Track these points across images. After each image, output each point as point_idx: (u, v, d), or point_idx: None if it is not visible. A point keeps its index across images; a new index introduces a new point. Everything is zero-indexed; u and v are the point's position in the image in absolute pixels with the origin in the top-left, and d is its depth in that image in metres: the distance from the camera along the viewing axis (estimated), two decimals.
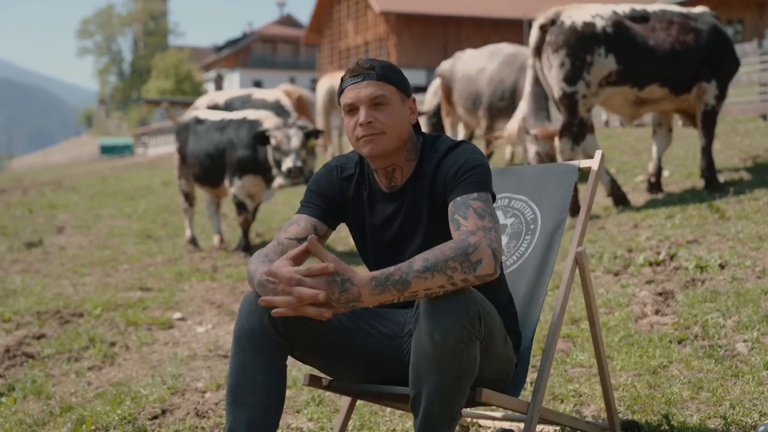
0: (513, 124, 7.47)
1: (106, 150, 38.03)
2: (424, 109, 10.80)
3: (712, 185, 6.56)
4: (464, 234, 2.03)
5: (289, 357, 2.22)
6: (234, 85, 48.57)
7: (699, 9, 6.72)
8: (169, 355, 4.17)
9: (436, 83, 11.09)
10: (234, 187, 6.79)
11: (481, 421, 2.95)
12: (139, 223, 9.64)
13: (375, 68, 2.21)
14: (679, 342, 3.52)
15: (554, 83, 6.51)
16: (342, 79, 2.24)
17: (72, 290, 5.90)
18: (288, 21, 57.81)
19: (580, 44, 6.32)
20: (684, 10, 6.68)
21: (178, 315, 4.98)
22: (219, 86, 48.25)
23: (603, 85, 6.42)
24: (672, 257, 4.78)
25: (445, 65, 9.87)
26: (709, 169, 6.61)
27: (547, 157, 7.16)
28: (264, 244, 7.46)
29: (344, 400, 2.67)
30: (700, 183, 6.93)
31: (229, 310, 5.09)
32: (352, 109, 2.21)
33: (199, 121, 7.19)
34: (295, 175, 6.37)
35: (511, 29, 31.91)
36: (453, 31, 33.56)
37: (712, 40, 6.49)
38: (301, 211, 2.32)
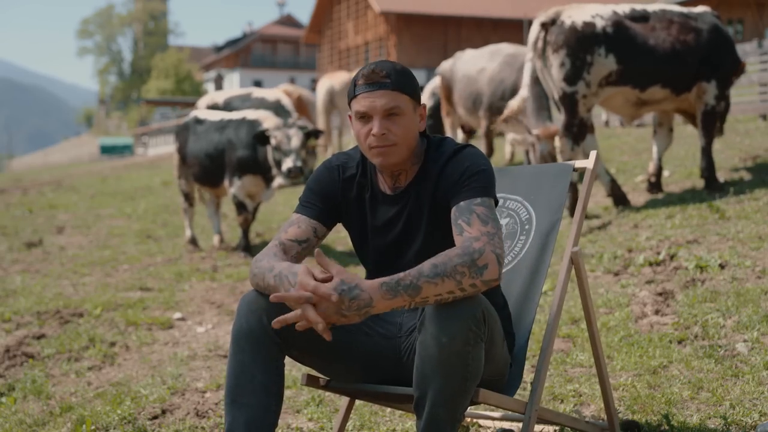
0: (514, 102, 7.44)
1: (106, 150, 38.01)
2: None
3: (712, 185, 6.56)
4: (468, 240, 2.04)
5: (288, 357, 2.22)
6: (234, 85, 48.55)
7: (700, 8, 6.72)
8: (169, 355, 4.17)
9: (431, 85, 11.09)
10: (234, 187, 6.80)
11: (481, 421, 2.96)
12: (139, 223, 9.64)
13: (391, 77, 2.18)
14: (679, 342, 3.52)
15: (554, 83, 6.51)
16: (355, 83, 2.21)
17: (72, 290, 5.90)
18: (288, 21, 57.79)
19: (580, 44, 6.32)
20: (685, 9, 6.68)
21: (178, 315, 4.98)
22: (219, 86, 48.24)
23: (603, 85, 6.42)
24: (672, 257, 4.78)
25: (445, 65, 9.87)
26: (709, 169, 6.61)
27: (549, 156, 7.16)
28: (264, 244, 7.46)
29: (344, 400, 2.67)
30: (700, 183, 6.93)
31: (229, 310, 5.09)
32: (364, 117, 2.20)
33: (198, 121, 7.20)
34: (295, 175, 6.38)
35: (511, 29, 31.90)
36: (453, 31, 33.56)
37: (713, 39, 6.49)
38: (301, 211, 2.31)
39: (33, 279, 6.41)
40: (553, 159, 7.28)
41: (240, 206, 6.87)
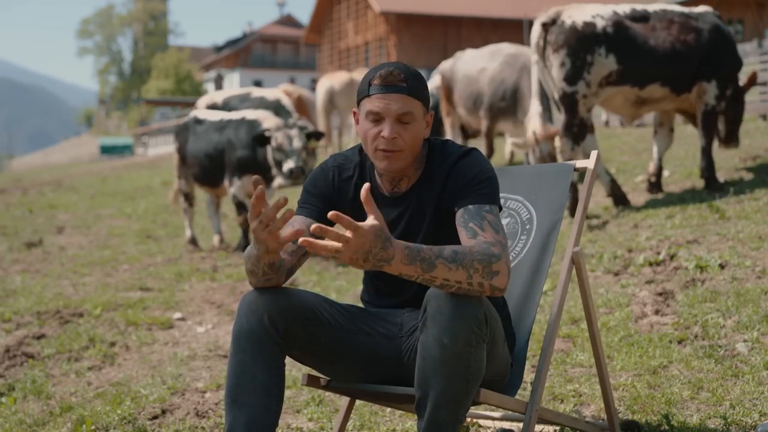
0: (535, 124, 7.37)
1: (106, 150, 38.00)
2: None
3: (712, 185, 6.56)
4: (486, 243, 2.04)
5: (288, 357, 2.22)
6: (234, 85, 48.55)
7: (701, 8, 6.72)
8: (169, 355, 4.17)
9: (430, 84, 11.08)
10: (233, 187, 6.80)
11: (481, 421, 2.96)
12: (139, 223, 9.65)
13: (408, 82, 2.17)
14: (679, 342, 3.52)
15: (554, 83, 6.51)
16: (370, 82, 2.19)
17: (72, 290, 5.90)
18: (288, 21, 57.79)
19: (581, 44, 6.32)
20: (685, 9, 6.68)
21: (178, 315, 4.98)
22: (219, 86, 48.25)
23: (603, 85, 6.42)
24: (672, 257, 4.78)
25: (445, 65, 9.87)
26: (708, 169, 6.61)
27: (549, 157, 7.16)
28: None
29: (344, 400, 2.67)
30: (700, 183, 6.93)
31: (229, 310, 5.09)
32: (376, 118, 2.18)
33: (198, 122, 7.20)
34: (296, 176, 6.39)
35: (511, 29, 31.90)
36: (453, 31, 33.55)
37: (713, 39, 6.48)
38: (298, 213, 2.30)
39: (33, 279, 6.41)
40: (553, 159, 7.27)
41: (240, 206, 6.88)
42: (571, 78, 6.36)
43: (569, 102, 6.41)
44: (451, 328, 1.96)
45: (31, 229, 9.49)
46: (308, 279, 5.84)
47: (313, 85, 38.27)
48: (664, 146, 7.07)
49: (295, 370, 3.62)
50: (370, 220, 1.90)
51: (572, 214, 6.30)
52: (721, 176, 7.05)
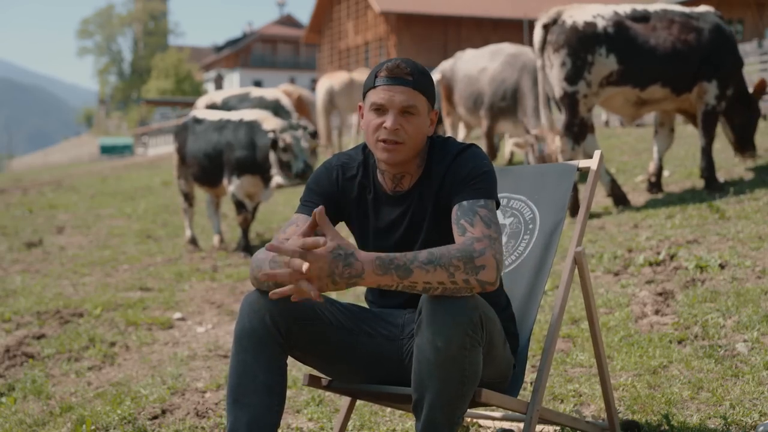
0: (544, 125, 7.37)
1: (106, 150, 37.99)
2: None
3: (712, 185, 6.56)
4: (470, 239, 2.03)
5: (289, 357, 2.22)
6: (234, 85, 48.55)
7: (702, 8, 6.71)
8: (169, 355, 4.17)
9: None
10: (233, 187, 6.80)
11: (481, 421, 2.95)
12: (139, 223, 9.64)
13: (413, 75, 2.18)
14: (679, 342, 3.52)
15: (555, 83, 6.52)
16: (376, 75, 2.20)
17: (72, 290, 5.90)
18: (288, 21, 57.78)
19: (581, 44, 6.33)
20: (687, 9, 6.67)
21: (178, 315, 4.98)
22: (219, 86, 48.24)
23: (604, 85, 6.42)
24: (672, 257, 4.78)
25: (445, 65, 9.87)
26: (708, 169, 6.61)
27: (547, 157, 7.16)
28: (264, 244, 7.45)
29: (344, 400, 2.67)
30: (700, 183, 6.93)
31: (229, 310, 5.09)
32: (380, 110, 2.18)
33: (197, 121, 7.20)
34: (307, 176, 6.40)
35: (511, 29, 31.88)
36: (453, 31, 33.54)
37: (714, 39, 6.48)
38: (301, 211, 2.30)
39: (33, 279, 6.41)
40: (552, 160, 7.27)
41: (239, 206, 6.88)
42: (572, 78, 6.37)
43: (570, 102, 6.41)
44: (444, 331, 1.95)
45: (31, 229, 9.49)
46: None
47: (313, 85, 38.28)
48: (664, 146, 7.07)
49: (295, 370, 3.62)
50: (325, 242, 1.91)
51: (572, 214, 6.30)
52: (721, 176, 7.06)
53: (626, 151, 9.88)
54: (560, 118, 6.63)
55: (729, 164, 7.65)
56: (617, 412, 2.70)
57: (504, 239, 2.64)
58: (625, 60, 6.34)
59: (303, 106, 12.01)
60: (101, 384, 3.76)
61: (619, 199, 6.68)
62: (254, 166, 6.68)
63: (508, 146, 10.80)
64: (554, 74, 6.49)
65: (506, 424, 2.90)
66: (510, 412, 2.80)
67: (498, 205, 2.21)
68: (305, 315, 2.19)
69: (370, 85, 2.21)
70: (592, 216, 6.51)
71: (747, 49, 11.31)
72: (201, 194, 8.56)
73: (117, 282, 6.13)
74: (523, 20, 29.17)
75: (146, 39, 63.67)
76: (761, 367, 3.10)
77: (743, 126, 6.80)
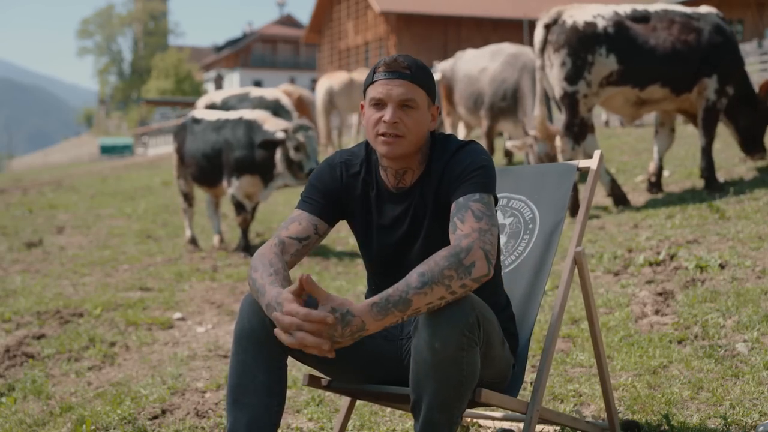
0: (537, 124, 7.34)
1: (106, 150, 37.98)
2: None
3: (712, 185, 6.56)
4: (458, 239, 2.03)
5: (289, 357, 2.22)
6: (234, 85, 48.55)
7: (703, 8, 6.71)
8: (169, 355, 4.17)
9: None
10: (232, 188, 6.79)
11: (481, 421, 2.95)
12: (139, 223, 9.64)
13: (411, 69, 2.18)
14: (679, 342, 3.52)
15: (555, 82, 6.52)
16: (374, 70, 2.20)
17: (72, 290, 5.90)
18: (288, 21, 57.77)
19: (582, 44, 6.33)
20: (687, 9, 6.67)
21: (178, 315, 4.98)
22: (219, 86, 48.24)
23: (604, 85, 6.42)
24: (672, 257, 4.78)
25: (445, 64, 9.87)
26: (708, 169, 6.61)
27: (547, 157, 7.16)
28: (264, 244, 7.45)
29: (344, 400, 2.67)
30: (700, 183, 6.93)
31: (229, 310, 5.09)
32: (378, 104, 2.18)
33: (195, 121, 7.19)
34: None
35: (511, 29, 31.88)
36: (453, 31, 33.54)
37: (714, 39, 6.48)
38: (302, 207, 2.29)
39: (33, 279, 6.41)
40: (552, 160, 7.27)
41: (238, 206, 6.87)
42: (572, 77, 6.37)
43: (570, 101, 6.41)
44: (442, 332, 1.95)
45: (31, 229, 9.48)
46: None
47: (313, 85, 38.27)
48: (664, 146, 7.07)
49: (295, 370, 3.62)
50: (318, 312, 1.91)
51: (572, 214, 6.30)
52: (721, 176, 7.06)
53: (626, 151, 9.88)
54: (560, 118, 6.63)
55: (729, 164, 7.65)
56: (617, 412, 2.70)
57: (504, 239, 2.64)
58: (625, 60, 6.35)
59: (303, 106, 12.01)
60: (101, 384, 3.76)
61: (619, 199, 6.68)
62: (254, 165, 6.67)
63: (507, 146, 10.80)
64: (554, 74, 6.49)
65: (506, 424, 2.90)
66: (510, 412, 2.80)
67: (496, 200, 2.20)
68: None
69: (369, 81, 2.22)
70: (592, 216, 6.51)
71: (747, 49, 11.31)
72: (201, 194, 8.56)
73: (117, 282, 6.13)
74: (523, 20, 29.17)
75: (146, 39, 63.67)
76: (761, 367, 3.10)
77: (748, 127, 6.77)
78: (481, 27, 33.54)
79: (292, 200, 10.11)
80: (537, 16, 6.78)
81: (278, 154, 6.53)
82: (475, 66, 9.13)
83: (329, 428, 3.01)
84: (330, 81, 14.68)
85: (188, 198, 7.49)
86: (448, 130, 10.03)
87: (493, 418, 2.86)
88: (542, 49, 6.59)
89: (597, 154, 2.61)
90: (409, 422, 3.01)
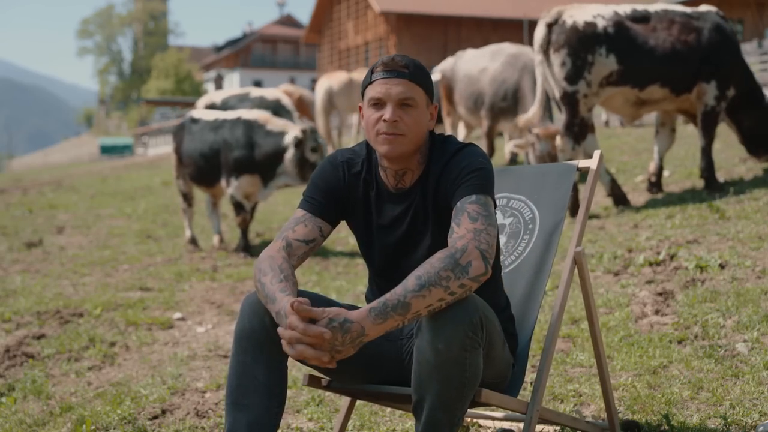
0: (529, 116, 7.35)
1: (106, 150, 37.98)
2: None
3: (712, 185, 6.56)
4: (453, 241, 2.03)
5: (289, 357, 2.21)
6: (234, 85, 48.54)
7: (704, 8, 6.70)
8: (169, 355, 4.17)
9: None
10: (231, 188, 6.78)
11: (481, 421, 2.95)
12: (139, 223, 9.64)
13: (409, 68, 2.18)
14: (679, 342, 3.52)
15: (555, 82, 6.52)
16: (372, 70, 2.21)
17: (72, 290, 5.90)
18: (288, 21, 57.77)
19: (582, 44, 6.33)
20: (688, 9, 6.67)
21: (178, 315, 4.98)
22: (219, 86, 48.22)
23: (604, 85, 6.42)
24: (672, 257, 4.78)
25: (445, 64, 9.87)
26: (708, 170, 6.61)
27: (548, 156, 7.15)
28: (264, 244, 7.45)
29: (344, 400, 2.67)
30: (700, 183, 6.93)
31: (229, 310, 5.09)
32: (378, 104, 2.18)
33: (193, 121, 7.18)
34: None
35: (511, 29, 31.89)
36: (453, 31, 33.55)
37: (714, 39, 6.47)
38: (306, 208, 2.28)
39: (33, 279, 6.41)
40: (553, 159, 7.27)
41: (238, 207, 6.86)
42: (572, 77, 6.37)
43: (570, 101, 6.41)
44: (445, 333, 1.95)
45: (31, 229, 9.48)
46: (308, 279, 5.83)
47: (313, 85, 38.25)
48: (665, 146, 7.07)
49: (295, 370, 3.62)
50: (316, 327, 1.91)
51: (572, 214, 6.30)
52: (721, 176, 7.06)
53: (626, 151, 9.89)
54: (560, 118, 6.63)
55: (729, 164, 7.66)
56: (617, 412, 2.70)
57: (504, 239, 2.64)
58: (624, 60, 6.34)
59: (304, 107, 12.02)
60: (101, 384, 3.76)
61: (619, 199, 6.68)
62: (254, 165, 6.66)
63: (507, 147, 10.81)
64: (554, 74, 6.49)
65: (506, 424, 2.90)
66: (510, 412, 2.80)
67: (494, 202, 2.20)
68: None
69: (367, 82, 2.22)
70: (592, 216, 6.51)
71: (747, 49, 11.33)
72: (201, 194, 8.56)
73: (117, 282, 6.13)
74: (523, 20, 29.17)
75: (146, 39, 63.66)
76: (761, 367, 3.10)
77: (753, 128, 6.66)
78: (481, 27, 33.54)
79: (293, 200, 10.11)
80: (537, 16, 6.79)
81: (290, 154, 6.52)
82: (475, 66, 9.13)
83: (329, 428, 3.01)
84: (329, 81, 14.68)
85: (187, 198, 7.49)
86: (448, 130, 10.03)
87: (493, 418, 2.86)
88: (544, 46, 6.53)
89: (597, 154, 2.61)
90: (409, 422, 3.01)
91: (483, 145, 9.29)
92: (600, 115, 13.80)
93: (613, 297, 4.27)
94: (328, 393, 3.32)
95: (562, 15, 6.51)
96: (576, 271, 2.54)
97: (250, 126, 6.69)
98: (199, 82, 54.19)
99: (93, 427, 3.12)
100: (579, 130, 6.47)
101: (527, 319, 2.47)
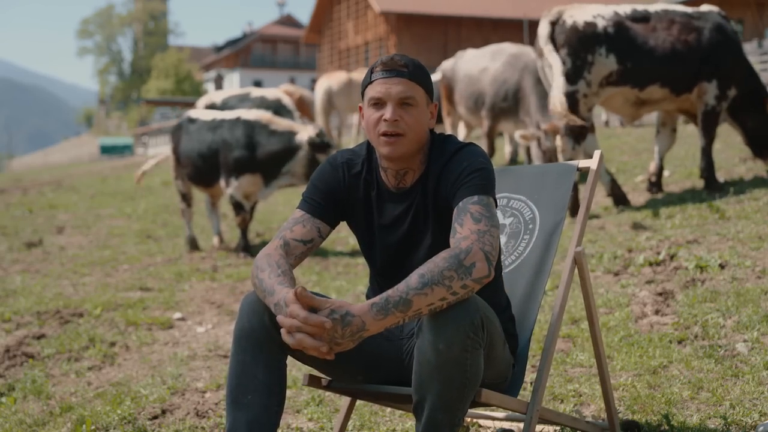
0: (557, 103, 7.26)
1: (106, 150, 37.96)
2: None
3: (712, 185, 6.56)
4: (457, 241, 2.03)
5: (289, 357, 2.22)
6: (234, 85, 48.54)
7: (705, 8, 6.70)
8: (169, 355, 4.17)
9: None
10: (231, 188, 6.76)
11: (481, 421, 2.95)
12: (139, 223, 9.64)
13: (408, 67, 2.18)
14: (679, 342, 3.52)
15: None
16: (372, 70, 2.21)
17: (72, 290, 5.90)
18: (288, 21, 57.76)
19: (581, 44, 6.33)
20: (688, 9, 6.66)
21: (178, 315, 4.98)
22: (219, 86, 48.22)
23: (603, 84, 6.42)
24: (672, 257, 4.78)
25: (446, 64, 9.86)
26: (708, 170, 6.60)
27: (551, 152, 7.14)
28: (264, 244, 7.45)
29: (344, 400, 2.67)
30: (700, 183, 6.93)
31: (229, 310, 5.09)
32: (378, 103, 2.18)
33: (191, 121, 7.16)
34: None
35: (511, 29, 31.88)
36: (453, 31, 33.54)
37: (714, 39, 6.47)
38: (305, 208, 2.29)
39: (33, 279, 6.41)
40: (555, 157, 7.26)
41: (237, 207, 6.85)
42: (572, 77, 6.36)
43: (570, 101, 6.41)
44: (446, 333, 1.95)
45: (31, 229, 9.48)
46: (308, 279, 5.83)
47: (313, 85, 38.24)
48: (665, 146, 7.06)
49: (295, 370, 3.62)
50: (317, 316, 1.91)
51: (572, 214, 6.30)
52: (721, 176, 7.05)
53: (626, 151, 9.88)
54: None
55: (729, 164, 7.66)
56: (617, 412, 2.70)
57: (504, 239, 2.63)
58: (624, 60, 6.34)
59: (304, 107, 12.02)
60: (101, 384, 3.76)
61: (619, 199, 6.67)
62: (255, 165, 6.64)
63: (507, 146, 10.81)
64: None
65: (506, 424, 2.90)
66: (510, 412, 2.80)
67: (496, 202, 2.20)
68: None
69: (367, 82, 2.22)
70: (592, 216, 6.50)
71: (747, 49, 11.34)
72: (200, 195, 8.56)
73: (117, 282, 6.13)
74: (523, 20, 29.16)
75: (146, 39, 63.65)
76: (761, 367, 3.10)
77: (757, 128, 6.60)
78: (481, 27, 33.53)
79: (293, 200, 10.11)
80: (537, 16, 6.78)
81: (302, 154, 6.50)
82: (475, 66, 9.13)
83: (329, 428, 3.01)
84: (329, 81, 14.67)
85: (186, 198, 7.47)
86: (448, 130, 10.03)
87: (494, 418, 2.86)
88: (549, 37, 6.44)
89: (597, 154, 2.61)
90: (409, 422, 3.01)
91: (483, 145, 9.29)
92: (600, 115, 13.80)
93: (613, 297, 4.27)
94: (328, 393, 3.32)
95: (562, 15, 6.51)
96: (576, 271, 2.54)
97: (252, 126, 6.67)
98: (199, 82, 54.18)
99: (93, 427, 3.12)
100: (579, 130, 6.46)
101: (527, 319, 2.47)
